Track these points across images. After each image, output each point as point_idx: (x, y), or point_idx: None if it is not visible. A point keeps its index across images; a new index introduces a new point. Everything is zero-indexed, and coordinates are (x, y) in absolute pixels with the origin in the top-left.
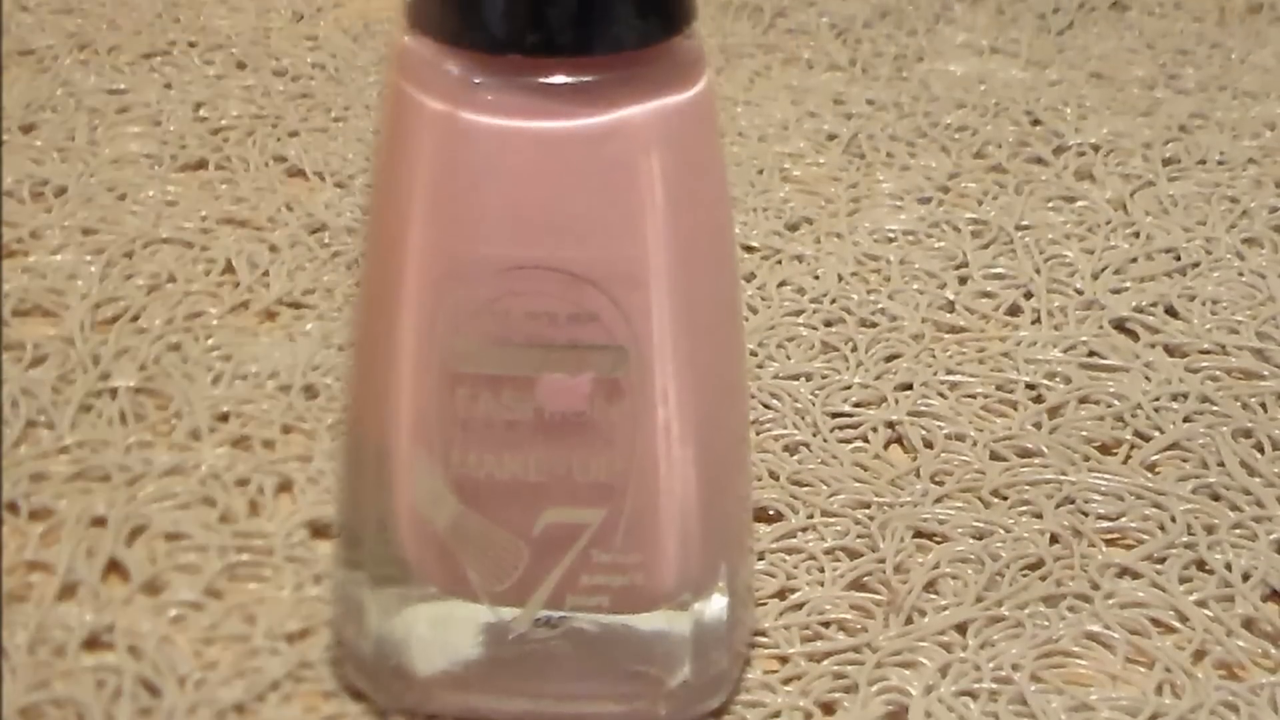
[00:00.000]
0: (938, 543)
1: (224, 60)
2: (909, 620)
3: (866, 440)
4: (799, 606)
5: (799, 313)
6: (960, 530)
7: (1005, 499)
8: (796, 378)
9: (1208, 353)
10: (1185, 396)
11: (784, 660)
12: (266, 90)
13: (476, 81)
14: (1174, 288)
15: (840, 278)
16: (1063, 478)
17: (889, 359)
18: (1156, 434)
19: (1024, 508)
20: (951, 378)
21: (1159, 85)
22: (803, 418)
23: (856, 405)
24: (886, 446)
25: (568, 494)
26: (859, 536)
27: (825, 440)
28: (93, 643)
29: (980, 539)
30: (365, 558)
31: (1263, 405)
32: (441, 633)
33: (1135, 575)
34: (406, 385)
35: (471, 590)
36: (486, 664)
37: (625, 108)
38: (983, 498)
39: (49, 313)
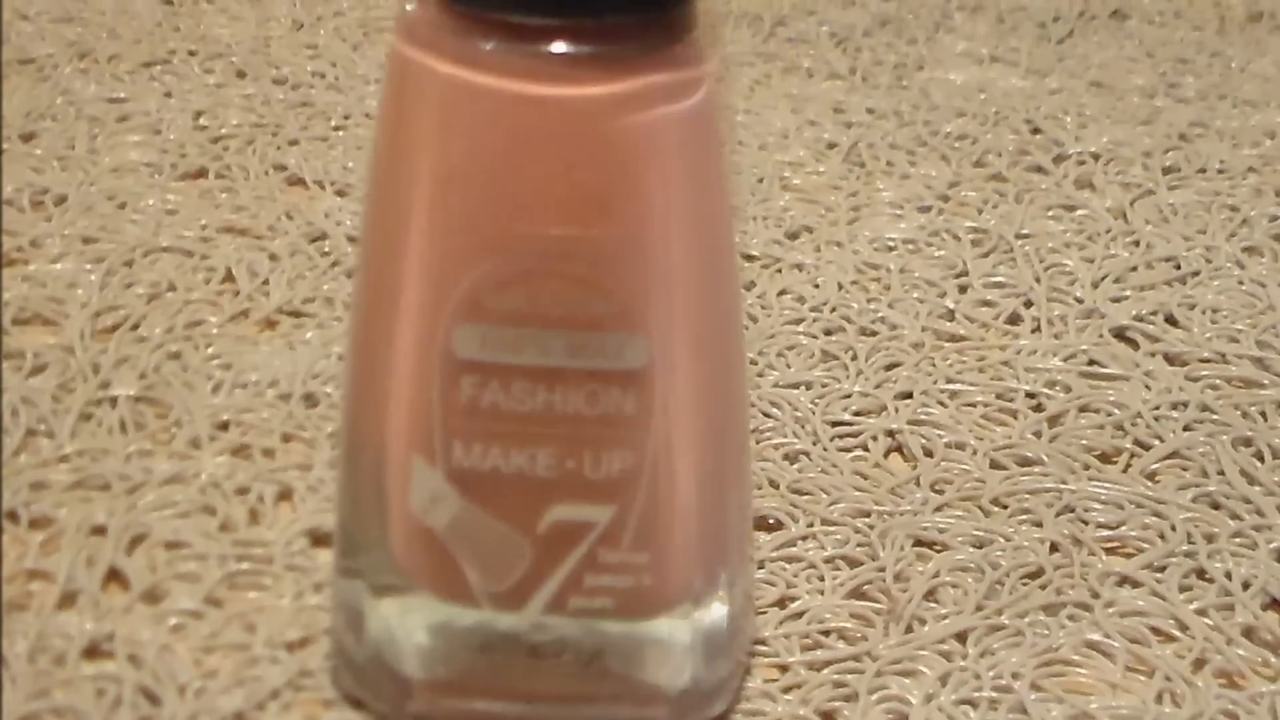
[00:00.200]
0: (938, 551)
1: (224, 69)
2: (909, 629)
3: (866, 449)
4: (799, 615)
5: (799, 321)
6: (960, 539)
7: (1005, 508)
8: (796, 386)
9: (1208, 361)
10: (1185, 405)
11: (784, 669)
12: (266, 99)
13: (486, 47)
14: (1174, 296)
15: (840, 286)
16: (1063, 486)
17: (889, 367)
18: (1156, 442)
19: (1024, 516)
20: (951, 386)
21: (1159, 94)
22: (803, 426)
23: (856, 414)
24: (886, 455)
25: (578, 489)
26: (859, 545)
27: (825, 449)
28: (93, 651)
29: (980, 547)
30: (364, 566)
31: (1263, 414)
32: (440, 640)
33: (1135, 584)
34: (407, 376)
35: (471, 596)
36: (486, 671)
37: (634, 78)
38: (983, 506)
39: (49, 321)
